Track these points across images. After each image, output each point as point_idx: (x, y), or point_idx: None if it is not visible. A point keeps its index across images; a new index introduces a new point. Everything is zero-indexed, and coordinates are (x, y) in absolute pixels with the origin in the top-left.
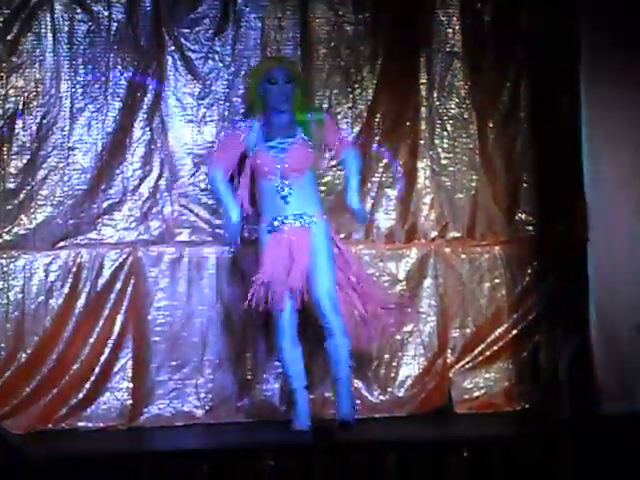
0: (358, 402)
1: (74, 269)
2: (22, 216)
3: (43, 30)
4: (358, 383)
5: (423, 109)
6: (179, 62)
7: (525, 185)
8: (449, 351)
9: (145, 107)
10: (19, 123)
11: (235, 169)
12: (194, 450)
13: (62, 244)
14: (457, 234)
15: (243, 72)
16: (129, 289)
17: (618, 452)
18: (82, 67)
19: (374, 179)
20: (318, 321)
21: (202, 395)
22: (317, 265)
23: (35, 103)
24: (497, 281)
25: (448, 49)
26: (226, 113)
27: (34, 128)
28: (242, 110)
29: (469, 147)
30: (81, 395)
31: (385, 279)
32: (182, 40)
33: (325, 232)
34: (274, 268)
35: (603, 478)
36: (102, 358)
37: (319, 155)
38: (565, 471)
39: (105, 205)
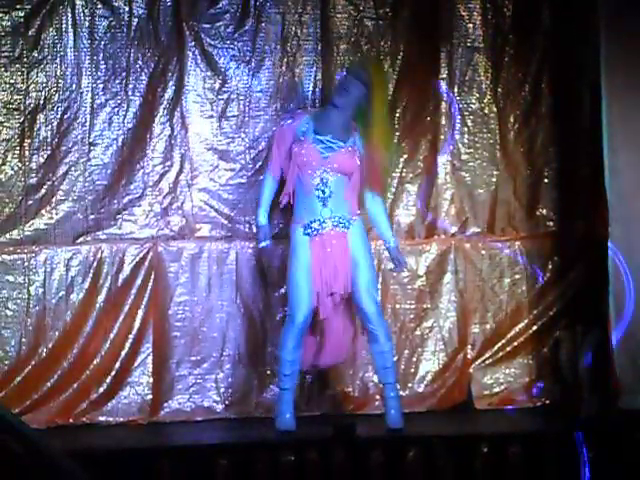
0: (377, 397)
1: (95, 264)
2: (43, 211)
3: (64, 25)
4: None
5: (443, 104)
6: (199, 57)
7: (546, 181)
8: (469, 347)
9: (165, 102)
10: (40, 118)
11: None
12: (214, 445)
13: (83, 239)
14: (477, 229)
15: (263, 67)
16: (149, 284)
17: (636, 448)
18: (103, 62)
19: (394, 174)
20: (363, 324)
21: (222, 390)
22: (357, 268)
23: (56, 98)
24: (517, 277)
25: (469, 44)
26: (246, 108)
27: (55, 123)
28: (262, 105)
29: (490, 142)
30: (101, 390)
31: (405, 274)
32: (202, 35)
33: (361, 232)
34: (321, 278)
35: (621, 474)
36: (122, 353)
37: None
38: (584, 468)
39: (125, 200)
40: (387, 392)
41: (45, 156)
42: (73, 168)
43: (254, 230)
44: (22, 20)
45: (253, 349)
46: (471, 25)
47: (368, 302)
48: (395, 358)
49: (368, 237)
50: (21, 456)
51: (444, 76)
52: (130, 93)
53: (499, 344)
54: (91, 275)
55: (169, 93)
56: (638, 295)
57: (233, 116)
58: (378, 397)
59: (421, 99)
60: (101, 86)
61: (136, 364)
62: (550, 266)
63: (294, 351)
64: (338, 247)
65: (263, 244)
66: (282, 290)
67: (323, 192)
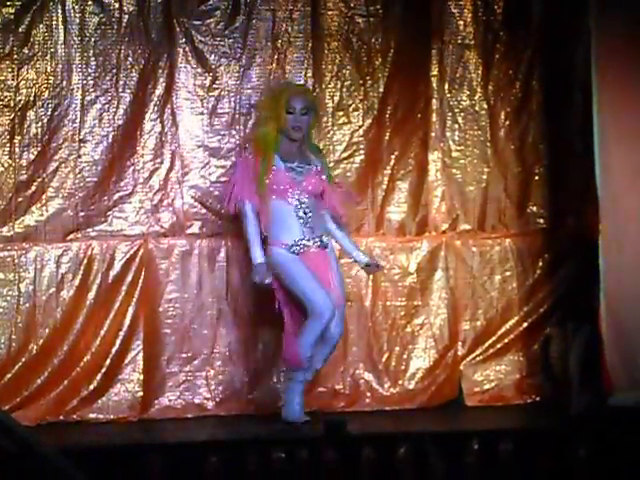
0: (368, 394)
1: (85, 261)
2: (33, 208)
3: (54, 22)
4: (369, 376)
5: (434, 101)
6: (190, 54)
7: (536, 178)
8: (460, 344)
9: (156, 99)
10: (30, 115)
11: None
12: (204, 442)
13: (73, 236)
14: (468, 227)
15: (254, 64)
16: (140, 281)
17: (627, 444)
18: (93, 59)
19: (385, 171)
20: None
21: (212, 387)
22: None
23: (46, 95)
24: (508, 274)
25: (460, 41)
26: (237, 105)
27: (45, 120)
28: (253, 102)
29: (480, 139)
30: (92, 387)
31: (396, 272)
32: (193, 32)
33: (334, 250)
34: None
35: (613, 471)
36: (113, 350)
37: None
38: (576, 464)
39: (116, 197)
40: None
41: (35, 153)
42: (63, 165)
43: None
44: (12, 17)
45: (244, 346)
46: (462, 22)
47: (340, 325)
48: (386, 355)
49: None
50: (13, 454)
51: (435, 73)
52: (120, 90)
53: (490, 341)
54: (81, 272)
55: (159, 90)
56: (630, 292)
57: (224, 113)
58: (369, 394)
59: (412, 96)
60: (91, 83)
61: (126, 361)
62: (541, 263)
63: (315, 346)
64: (322, 265)
65: (267, 281)
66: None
67: (305, 213)
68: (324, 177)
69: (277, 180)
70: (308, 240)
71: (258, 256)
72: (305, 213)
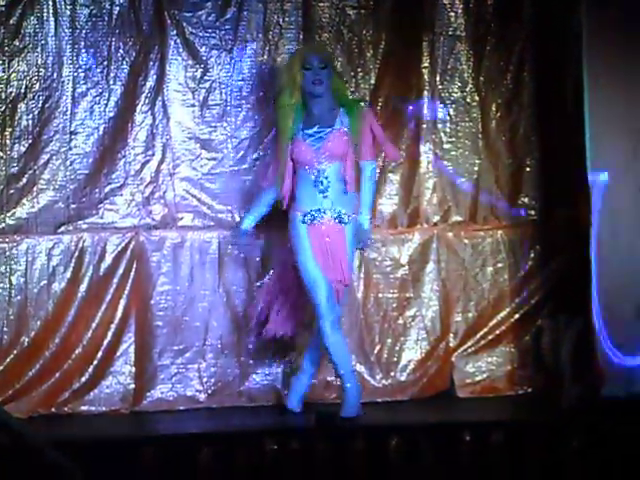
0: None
1: (76, 253)
2: (24, 200)
3: (45, 14)
4: (361, 367)
5: (426, 93)
6: (181, 46)
7: (528, 169)
8: (451, 335)
9: (147, 91)
10: (21, 107)
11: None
12: (196, 434)
13: (64, 228)
14: (460, 218)
15: (245, 55)
16: (131, 273)
17: (619, 436)
18: (84, 51)
19: (377, 164)
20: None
21: (204, 379)
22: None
23: (37, 87)
24: (500, 265)
25: (451, 32)
26: (228, 97)
27: (36, 112)
28: (244, 94)
29: (472, 131)
30: (84, 379)
31: (387, 264)
32: (184, 24)
33: (354, 233)
34: (316, 261)
35: (603, 462)
36: (105, 342)
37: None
38: (566, 456)
39: (107, 189)
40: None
41: (26, 145)
42: (54, 157)
43: (236, 219)
44: (3, 9)
45: (235, 338)
46: (453, 14)
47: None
48: (378, 347)
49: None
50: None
51: (426, 65)
52: (111, 82)
53: (481, 333)
54: (73, 264)
55: (151, 82)
56: (622, 282)
57: (215, 105)
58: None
59: (403, 88)
60: (82, 75)
61: (118, 353)
62: (532, 255)
63: (333, 335)
64: (336, 240)
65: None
66: (265, 279)
67: (322, 183)
68: (346, 137)
69: (297, 150)
70: (324, 212)
71: (244, 222)
72: (322, 183)
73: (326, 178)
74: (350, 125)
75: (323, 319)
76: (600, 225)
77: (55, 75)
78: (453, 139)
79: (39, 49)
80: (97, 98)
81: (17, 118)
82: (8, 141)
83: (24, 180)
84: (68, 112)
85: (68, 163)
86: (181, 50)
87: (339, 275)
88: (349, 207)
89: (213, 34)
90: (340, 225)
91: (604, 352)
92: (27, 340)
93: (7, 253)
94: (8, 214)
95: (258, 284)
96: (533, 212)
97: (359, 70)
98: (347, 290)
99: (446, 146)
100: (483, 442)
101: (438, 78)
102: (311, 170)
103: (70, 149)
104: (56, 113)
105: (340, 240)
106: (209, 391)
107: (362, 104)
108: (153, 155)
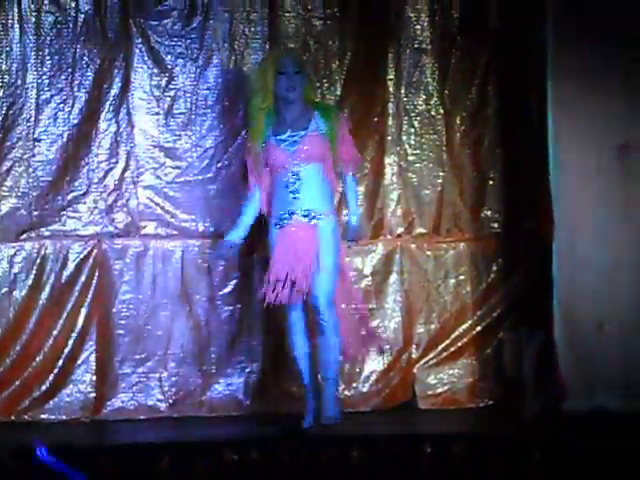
0: None
1: (38, 261)
2: None
3: (10, 21)
4: None
5: (391, 105)
6: (146, 54)
7: (492, 182)
8: (414, 347)
9: (111, 99)
10: None
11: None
12: (157, 443)
13: (26, 236)
14: (423, 230)
15: (211, 65)
16: (93, 282)
17: (580, 449)
18: (48, 58)
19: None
20: (312, 317)
21: (166, 389)
22: (320, 263)
23: (1, 94)
24: (462, 278)
25: (416, 45)
26: (193, 106)
27: None
28: (209, 103)
29: (436, 144)
30: (44, 387)
31: (351, 274)
32: (149, 32)
33: (332, 230)
34: (283, 264)
35: (565, 475)
36: (65, 350)
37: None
38: (528, 469)
39: (70, 197)
40: (327, 387)
41: None
42: (17, 164)
43: (199, 229)
44: None
45: (198, 348)
46: (419, 27)
47: (323, 299)
48: (341, 357)
49: (339, 238)
50: None
51: (391, 77)
52: (76, 89)
53: (443, 344)
54: (34, 272)
55: (115, 90)
56: (584, 295)
57: (180, 113)
58: None
59: (368, 100)
60: (46, 82)
61: (79, 362)
62: (495, 267)
63: (304, 345)
64: (304, 237)
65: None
66: (227, 289)
67: (293, 184)
68: (322, 139)
69: (271, 156)
70: (294, 213)
71: (230, 233)
72: (294, 183)
73: (299, 179)
74: (327, 129)
75: (289, 326)
76: (562, 239)
77: (19, 82)
78: (417, 151)
79: (3, 55)
80: (61, 105)
81: None
82: None
83: None
84: (32, 119)
85: (31, 170)
86: (146, 58)
87: (301, 274)
88: (323, 206)
89: (179, 43)
90: (309, 223)
91: (565, 365)
92: None
93: None
94: None
95: (221, 293)
96: (496, 225)
97: (324, 81)
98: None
99: (410, 158)
100: (444, 454)
101: (403, 90)
102: (285, 173)
103: (33, 156)
104: (19, 120)
105: (309, 237)
106: (170, 400)
107: (337, 108)
108: (117, 163)
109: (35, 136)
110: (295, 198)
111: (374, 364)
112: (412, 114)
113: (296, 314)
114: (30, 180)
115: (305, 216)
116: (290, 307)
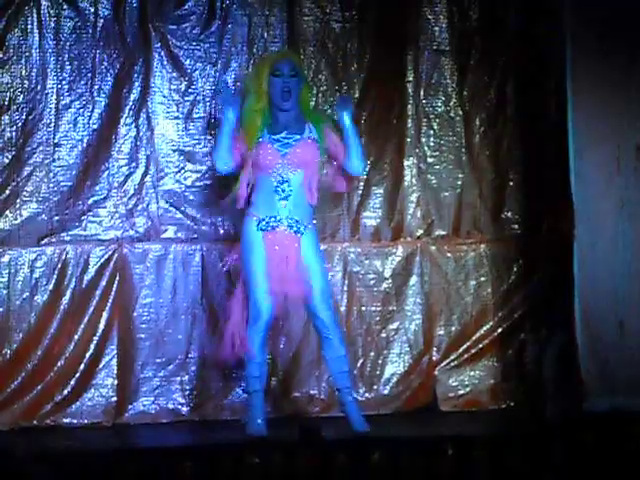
0: None
1: (59, 265)
2: (7, 212)
3: (29, 26)
4: None
5: (410, 107)
6: (165, 59)
7: (511, 184)
8: (434, 349)
9: (131, 104)
10: (5, 119)
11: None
12: (178, 447)
13: (47, 240)
14: (443, 232)
15: (230, 69)
16: (114, 286)
17: (602, 450)
18: (68, 63)
19: (361, 177)
20: (317, 330)
21: (187, 392)
22: (311, 275)
23: (21, 99)
24: (482, 279)
25: (435, 47)
26: (212, 110)
27: (20, 124)
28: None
29: (455, 145)
30: (66, 392)
31: (371, 277)
32: (168, 36)
33: (314, 240)
34: (268, 272)
35: (587, 476)
36: (87, 355)
37: (327, 162)
38: (549, 470)
39: (90, 201)
40: (345, 397)
41: (10, 157)
42: (38, 169)
43: (220, 232)
44: None
45: (218, 351)
46: (437, 28)
47: (323, 309)
48: (361, 360)
49: (320, 246)
50: None
51: (410, 79)
52: (95, 94)
53: (464, 346)
54: (55, 276)
55: (135, 94)
56: (604, 296)
57: (199, 118)
58: None
59: (387, 102)
60: (66, 87)
61: (100, 366)
62: (515, 269)
63: (261, 351)
64: (290, 249)
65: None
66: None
67: (283, 190)
68: (314, 147)
69: (262, 154)
70: (281, 220)
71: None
72: (284, 190)
73: (289, 186)
74: (318, 139)
75: (253, 330)
76: (583, 240)
77: (39, 87)
78: (437, 153)
79: (23, 61)
80: (81, 110)
81: (0, 130)
82: None
83: (7, 192)
84: (52, 124)
85: (51, 175)
86: (165, 63)
87: (291, 286)
88: (307, 218)
89: (197, 47)
90: (295, 235)
91: (586, 366)
92: (9, 352)
93: None
94: None
95: (242, 296)
96: (516, 226)
97: (343, 84)
98: (334, 305)
99: (430, 160)
100: (465, 456)
101: (422, 92)
102: (274, 175)
103: (53, 161)
104: (40, 125)
105: (294, 249)
106: (191, 404)
107: (324, 119)
108: (137, 167)
109: (55, 141)
110: (284, 205)
111: (395, 367)
112: (431, 116)
113: (269, 320)
114: (51, 185)
115: (290, 227)
116: (264, 312)
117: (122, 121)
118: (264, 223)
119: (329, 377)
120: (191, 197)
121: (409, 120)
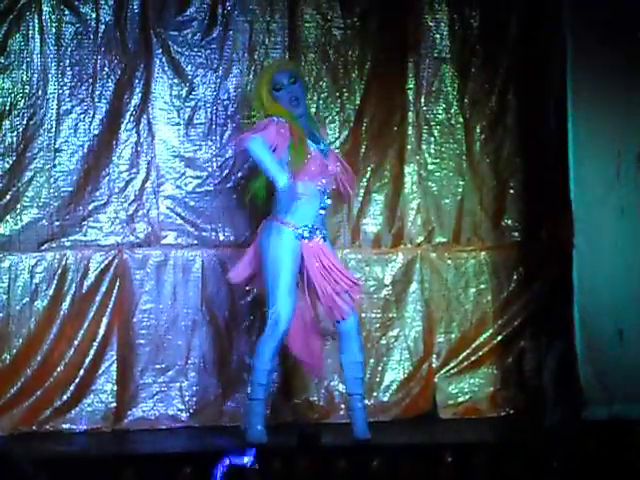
0: (342, 407)
1: (59, 271)
2: (7, 217)
3: (31, 31)
4: (344, 387)
5: (410, 114)
6: (166, 64)
7: (511, 191)
8: (434, 356)
9: (132, 109)
10: (5, 124)
11: None
12: (178, 453)
13: (47, 246)
14: (443, 239)
15: (231, 75)
16: (114, 291)
17: (600, 457)
18: (69, 69)
19: (361, 184)
20: (340, 334)
21: (186, 398)
22: (336, 279)
23: (22, 104)
24: (482, 287)
25: (436, 54)
26: (213, 116)
27: (20, 129)
28: (229, 113)
29: (456, 152)
30: (65, 397)
31: (371, 284)
32: (170, 42)
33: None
34: (319, 282)
35: None
36: (86, 360)
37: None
38: (549, 477)
39: (91, 207)
40: (355, 403)
41: (10, 162)
42: (38, 174)
43: (220, 238)
44: None
45: (218, 357)
46: (438, 36)
47: (352, 321)
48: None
49: None
50: None
51: (411, 86)
52: (96, 100)
53: (464, 354)
54: (55, 282)
55: (136, 100)
56: (604, 304)
57: (200, 124)
58: (343, 406)
59: (388, 109)
60: (67, 92)
61: (100, 372)
62: (515, 276)
63: (272, 360)
64: (328, 255)
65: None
66: (248, 298)
67: (326, 201)
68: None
69: (312, 162)
70: (316, 229)
71: (282, 177)
72: (325, 202)
73: (328, 197)
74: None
75: (270, 338)
76: (582, 247)
77: (40, 92)
78: (437, 160)
79: (24, 66)
80: (82, 116)
81: (1, 135)
82: None
83: (7, 197)
84: (53, 129)
85: (52, 180)
86: (166, 69)
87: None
88: (326, 225)
89: (199, 53)
90: (325, 243)
91: (585, 374)
92: (9, 358)
93: None
94: None
95: (241, 303)
96: (516, 234)
97: (344, 90)
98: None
99: (430, 167)
100: (465, 463)
101: (423, 99)
102: (321, 185)
103: (54, 166)
104: (40, 130)
105: (328, 258)
106: (191, 410)
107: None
108: (137, 173)
109: (56, 146)
110: (322, 215)
111: (395, 373)
112: (432, 123)
113: (287, 329)
114: (51, 190)
115: (323, 237)
116: (285, 320)
117: (123, 127)
118: (306, 232)
119: (328, 384)
120: (192, 203)
121: (410, 127)
